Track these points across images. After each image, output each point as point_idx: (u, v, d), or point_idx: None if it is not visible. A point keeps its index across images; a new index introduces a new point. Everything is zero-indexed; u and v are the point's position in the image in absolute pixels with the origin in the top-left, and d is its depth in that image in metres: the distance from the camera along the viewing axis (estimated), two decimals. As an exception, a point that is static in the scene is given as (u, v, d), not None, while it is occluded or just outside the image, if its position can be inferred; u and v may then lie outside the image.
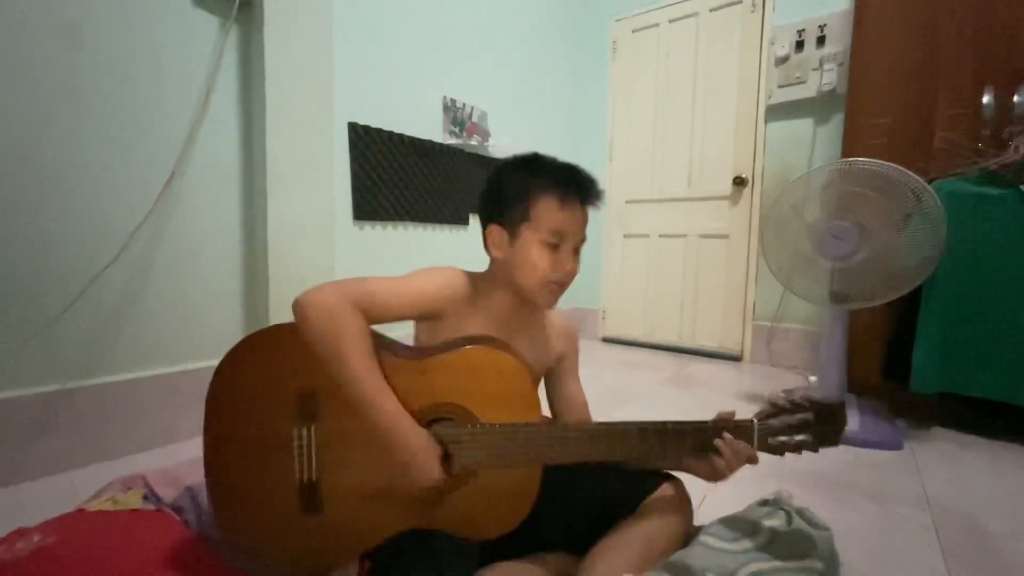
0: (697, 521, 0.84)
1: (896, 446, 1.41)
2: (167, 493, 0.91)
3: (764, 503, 0.81)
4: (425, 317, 0.74)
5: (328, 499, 0.66)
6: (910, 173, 1.35)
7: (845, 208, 1.46)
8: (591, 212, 0.77)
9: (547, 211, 0.70)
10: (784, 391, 0.71)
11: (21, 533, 0.78)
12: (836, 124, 2.12)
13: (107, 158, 1.19)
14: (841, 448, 1.39)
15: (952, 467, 1.30)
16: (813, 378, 1.79)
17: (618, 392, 1.91)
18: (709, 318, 2.61)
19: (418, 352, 0.71)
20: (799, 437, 0.70)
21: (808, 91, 2.17)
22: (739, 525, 0.76)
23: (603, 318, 3.01)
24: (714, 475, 0.70)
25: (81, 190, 1.16)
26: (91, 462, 1.19)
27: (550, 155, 0.76)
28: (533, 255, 0.71)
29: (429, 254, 2.11)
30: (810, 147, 2.23)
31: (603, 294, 3.00)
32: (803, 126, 2.25)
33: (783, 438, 0.70)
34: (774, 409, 0.71)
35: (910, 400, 1.60)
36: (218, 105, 1.38)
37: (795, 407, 0.71)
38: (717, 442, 0.69)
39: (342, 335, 0.62)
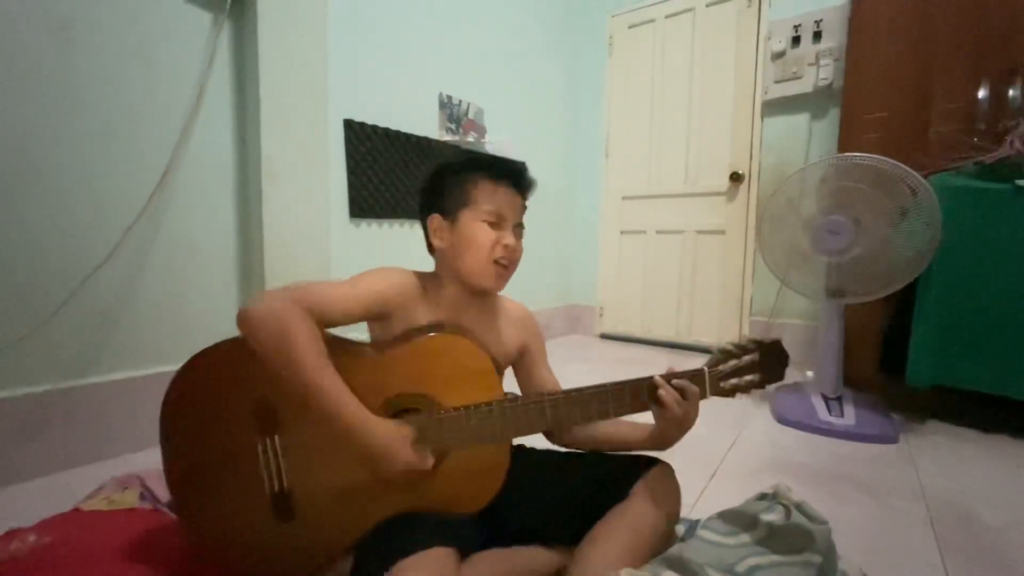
0: (695, 515, 0.85)
1: (892, 439, 1.42)
2: (163, 492, 0.91)
3: (762, 497, 0.81)
4: (375, 317, 0.74)
5: (302, 504, 0.66)
6: (906, 168, 1.35)
7: (841, 203, 1.46)
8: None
9: (483, 193, 0.74)
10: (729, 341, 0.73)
11: (17, 533, 0.77)
12: (832, 119, 2.12)
13: (100, 155, 1.18)
14: (838, 442, 1.41)
15: (947, 460, 1.31)
16: (810, 373, 1.79)
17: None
18: (706, 314, 2.62)
19: (373, 347, 0.71)
20: (748, 377, 0.74)
21: (804, 86, 2.17)
22: (737, 519, 0.76)
23: (600, 315, 3.01)
24: (677, 425, 0.71)
25: (74, 188, 1.14)
26: (86, 462, 1.18)
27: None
28: (475, 233, 0.73)
29: (424, 252, 2.10)
30: (806, 142, 2.23)
31: (600, 291, 3.00)
32: (799, 121, 2.25)
33: (734, 381, 0.74)
34: (722, 356, 0.75)
35: (906, 394, 1.61)
36: (211, 102, 1.36)
37: (741, 350, 0.75)
38: (660, 392, 0.70)
39: (291, 341, 0.59)
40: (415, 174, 1.99)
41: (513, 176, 0.77)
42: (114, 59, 1.19)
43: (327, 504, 0.66)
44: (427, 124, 2.06)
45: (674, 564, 0.67)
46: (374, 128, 1.82)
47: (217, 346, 0.66)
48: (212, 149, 1.38)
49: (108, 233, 1.19)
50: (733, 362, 0.74)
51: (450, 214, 0.75)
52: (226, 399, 0.66)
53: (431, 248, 0.81)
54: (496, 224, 0.74)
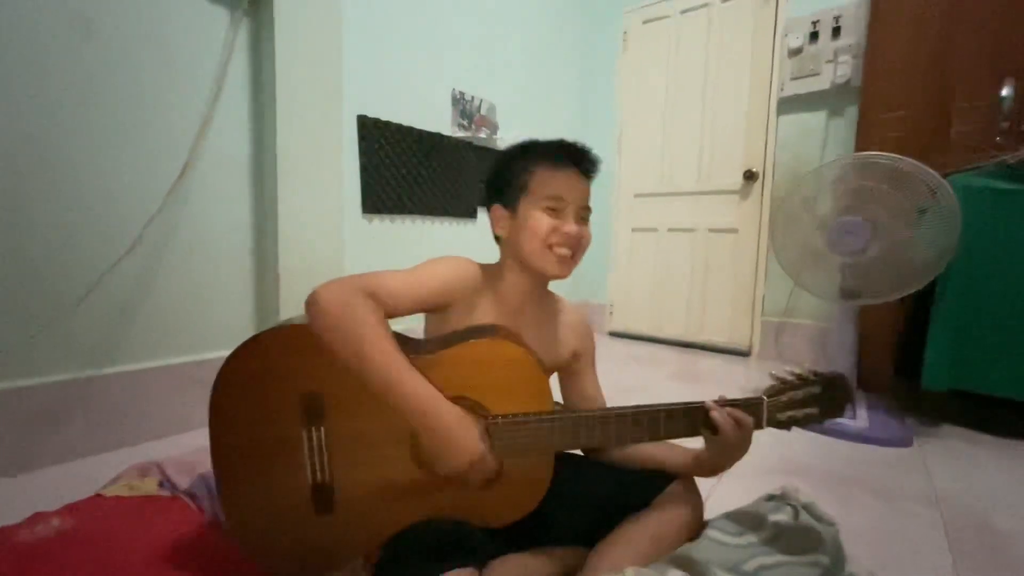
0: (704, 515, 0.85)
1: (905, 443, 1.40)
2: (182, 480, 0.93)
3: (771, 498, 0.81)
4: (437, 308, 0.73)
5: (342, 498, 0.66)
6: (925, 167, 1.33)
7: (857, 203, 1.44)
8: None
9: (542, 179, 0.73)
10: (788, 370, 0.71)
11: (40, 517, 0.80)
12: (850, 117, 2.09)
13: (120, 151, 1.20)
14: (850, 444, 1.40)
15: (961, 464, 1.29)
16: (822, 374, 1.77)
17: (625, 387, 1.91)
18: (717, 313, 2.60)
19: (424, 344, 0.70)
20: (806, 411, 0.71)
21: (822, 83, 2.13)
22: (745, 519, 0.76)
23: (611, 312, 3.00)
24: (729, 452, 0.70)
25: (94, 183, 1.17)
26: (106, 449, 1.21)
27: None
28: (533, 219, 0.72)
29: (437, 248, 2.12)
30: (823, 140, 2.20)
31: (611, 288, 2.99)
32: (816, 119, 2.22)
33: (791, 413, 0.71)
34: (782, 385, 0.72)
35: (920, 397, 1.59)
36: (229, 98, 1.38)
37: (802, 381, 0.72)
38: (713, 415, 0.68)
39: (360, 325, 0.60)
40: (427, 170, 2.00)
41: (574, 158, 0.74)
42: (134, 55, 1.21)
43: (366, 500, 0.66)
44: (439, 120, 2.07)
45: (681, 563, 0.67)
46: (387, 124, 1.83)
47: (267, 332, 0.66)
48: (229, 144, 1.40)
49: (127, 227, 1.21)
50: (791, 393, 0.71)
51: (510, 204, 0.75)
52: (274, 387, 0.65)
53: (496, 238, 0.80)
54: (556, 211, 0.72)
